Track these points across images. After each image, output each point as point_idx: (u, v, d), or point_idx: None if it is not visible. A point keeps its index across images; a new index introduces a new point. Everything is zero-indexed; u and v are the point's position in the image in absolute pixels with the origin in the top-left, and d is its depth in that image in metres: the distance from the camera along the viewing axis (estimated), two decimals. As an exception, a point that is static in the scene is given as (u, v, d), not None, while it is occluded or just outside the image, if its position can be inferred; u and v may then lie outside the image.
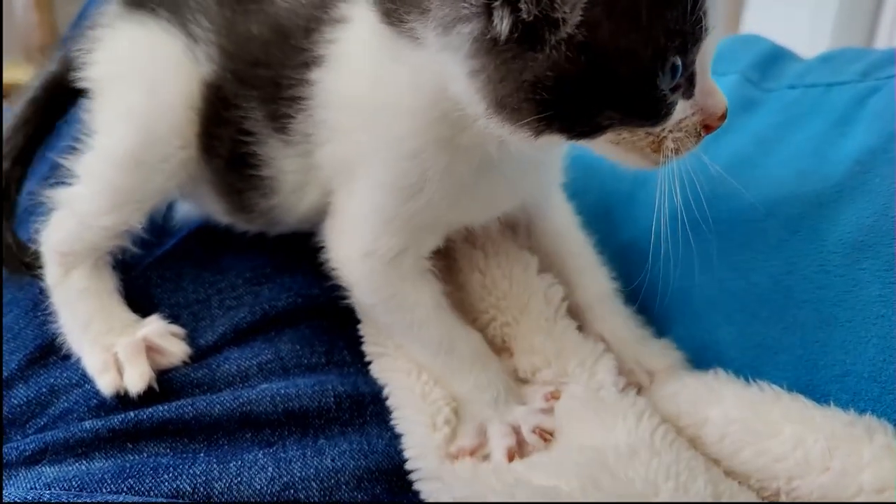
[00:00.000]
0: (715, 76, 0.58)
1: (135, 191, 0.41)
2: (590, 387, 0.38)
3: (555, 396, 0.39)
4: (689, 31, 0.30)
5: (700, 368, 0.40)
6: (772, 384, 0.36)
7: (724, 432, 0.34)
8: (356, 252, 0.40)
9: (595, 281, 0.45)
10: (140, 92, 0.41)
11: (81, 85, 0.45)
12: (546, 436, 0.37)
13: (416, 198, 0.38)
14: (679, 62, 0.31)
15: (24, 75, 2.68)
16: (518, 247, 0.45)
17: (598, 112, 0.31)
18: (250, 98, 0.40)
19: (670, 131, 0.34)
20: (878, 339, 0.35)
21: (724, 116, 0.35)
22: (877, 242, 0.36)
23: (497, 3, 0.29)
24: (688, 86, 0.33)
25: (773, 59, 0.62)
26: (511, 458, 0.37)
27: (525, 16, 0.29)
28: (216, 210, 0.46)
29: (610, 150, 0.35)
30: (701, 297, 0.42)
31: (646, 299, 0.45)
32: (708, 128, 0.35)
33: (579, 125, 0.32)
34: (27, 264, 0.44)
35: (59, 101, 0.49)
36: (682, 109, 0.33)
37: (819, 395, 0.35)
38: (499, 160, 0.37)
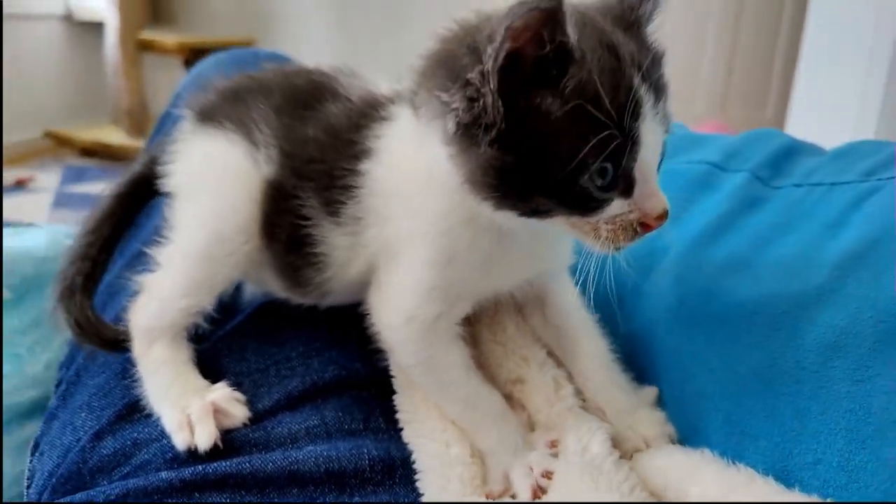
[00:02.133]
0: (725, 173, 0.63)
1: (206, 280, 0.49)
2: (584, 459, 0.43)
3: (554, 445, 0.45)
4: (620, 142, 0.36)
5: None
6: (749, 467, 0.40)
7: None
8: (399, 318, 0.46)
9: (597, 354, 0.50)
10: (209, 198, 0.50)
11: (162, 188, 0.54)
12: (550, 476, 0.44)
13: (450, 269, 0.44)
14: (608, 166, 0.36)
15: (112, 137, 2.92)
16: (532, 336, 0.52)
17: (533, 198, 0.37)
18: (307, 189, 0.47)
19: (605, 223, 0.39)
20: (847, 431, 0.39)
21: (662, 217, 0.39)
22: (847, 343, 0.41)
23: (447, 109, 0.37)
24: (625, 186, 0.38)
25: (787, 154, 0.65)
26: (535, 496, 0.43)
27: (462, 119, 0.36)
28: (275, 287, 0.53)
29: (563, 228, 0.40)
30: (693, 384, 0.46)
31: (644, 382, 0.50)
32: (645, 226, 0.39)
33: (522, 207, 0.38)
34: (108, 341, 0.52)
35: (141, 197, 0.57)
36: (618, 206, 0.38)
37: (793, 480, 0.39)
38: (512, 234, 0.44)
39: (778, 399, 0.42)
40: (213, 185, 0.50)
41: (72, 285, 0.52)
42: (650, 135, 0.37)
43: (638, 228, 0.39)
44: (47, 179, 2.95)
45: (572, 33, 0.34)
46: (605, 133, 0.35)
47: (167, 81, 3.76)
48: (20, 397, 0.63)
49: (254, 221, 0.49)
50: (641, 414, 0.47)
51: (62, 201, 2.72)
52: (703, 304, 0.48)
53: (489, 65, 0.34)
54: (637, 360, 0.51)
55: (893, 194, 0.50)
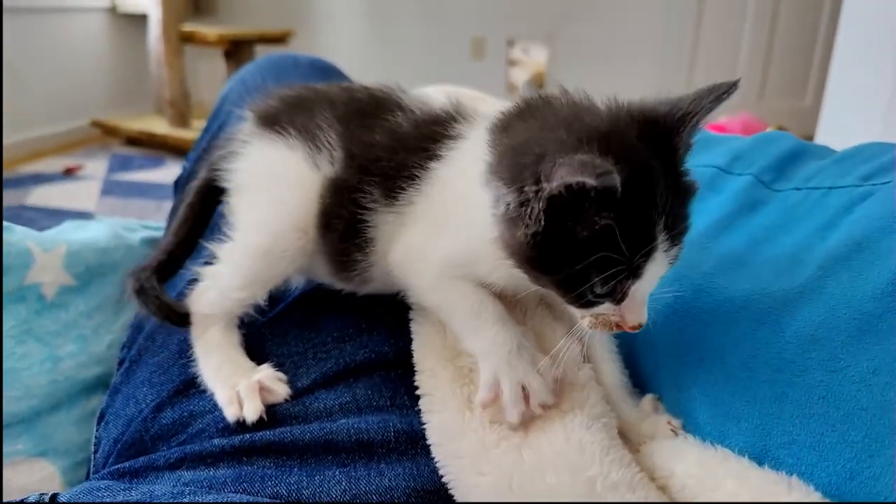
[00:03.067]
0: (730, 176, 0.66)
1: (262, 274, 0.55)
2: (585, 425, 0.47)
3: (556, 379, 0.48)
4: (626, 274, 0.42)
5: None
6: (725, 448, 0.45)
7: (684, 483, 0.43)
8: (423, 277, 0.52)
9: (611, 374, 0.54)
10: (268, 201, 0.55)
11: (225, 185, 0.60)
12: (547, 407, 0.47)
13: (472, 266, 0.50)
14: (609, 284, 0.42)
15: (156, 126, 3.02)
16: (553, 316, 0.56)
17: (542, 278, 0.44)
18: (371, 182, 0.52)
19: (591, 315, 0.45)
20: (819, 415, 0.43)
21: (636, 328, 0.45)
22: (823, 337, 0.45)
23: (503, 197, 0.43)
24: (620, 297, 0.44)
25: (793, 157, 0.67)
26: (524, 425, 0.47)
27: (510, 214, 0.42)
28: (322, 273, 0.59)
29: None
30: (685, 373, 0.51)
31: (642, 372, 0.55)
32: (619, 327, 0.45)
33: (531, 277, 0.45)
34: (181, 316, 0.58)
35: (212, 201, 0.63)
36: (606, 307, 0.44)
37: (770, 457, 0.44)
38: None
39: (760, 386, 0.46)
40: (272, 189, 0.56)
41: (145, 278, 0.58)
42: (654, 270, 0.43)
43: (614, 327, 0.45)
44: (95, 168, 3.06)
45: (615, 181, 0.38)
46: (616, 269, 0.41)
47: (208, 72, 3.87)
48: (87, 373, 0.71)
49: (310, 219, 0.55)
50: (648, 421, 0.51)
51: (110, 189, 2.82)
52: (696, 299, 0.53)
53: (543, 194, 0.40)
54: (635, 350, 0.55)
55: (883, 199, 0.54)
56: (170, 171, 3.05)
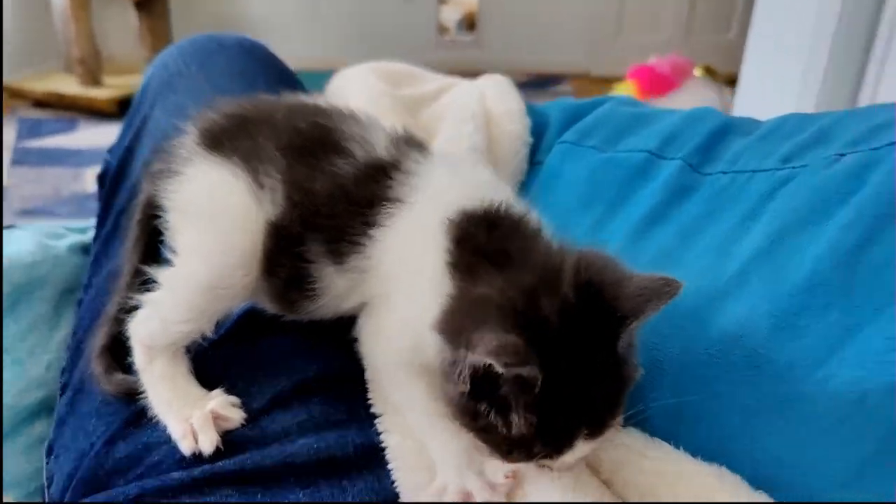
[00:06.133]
0: (661, 160, 0.68)
1: (207, 308, 0.54)
2: None
3: (514, 476, 0.48)
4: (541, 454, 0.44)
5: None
6: (651, 437, 0.50)
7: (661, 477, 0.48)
8: (388, 352, 0.52)
9: None
10: (212, 232, 0.53)
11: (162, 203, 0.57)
12: None
13: (421, 351, 0.49)
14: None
15: (65, 86, 2.84)
16: None
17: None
18: (313, 238, 0.52)
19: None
20: (746, 407, 0.47)
21: None
22: (745, 334, 0.48)
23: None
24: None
25: (719, 136, 0.68)
26: None
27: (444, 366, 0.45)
28: (266, 306, 0.58)
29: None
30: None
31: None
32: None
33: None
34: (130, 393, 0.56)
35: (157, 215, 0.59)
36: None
37: (706, 449, 0.48)
38: None
39: (690, 381, 0.50)
40: (217, 219, 0.54)
41: (110, 342, 0.58)
42: (571, 457, 0.45)
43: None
44: (3, 135, 2.87)
45: (527, 373, 0.40)
46: (535, 449, 0.44)
47: (118, 26, 3.62)
48: (28, 399, 0.69)
49: (255, 258, 0.53)
50: None
51: (21, 158, 2.66)
52: None
53: (466, 366, 0.41)
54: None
55: (801, 186, 0.56)
56: (83, 135, 2.88)
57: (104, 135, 2.88)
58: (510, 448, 0.44)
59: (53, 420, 0.65)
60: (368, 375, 0.56)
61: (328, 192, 0.52)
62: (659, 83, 2.74)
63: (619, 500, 0.48)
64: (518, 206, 0.52)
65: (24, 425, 0.68)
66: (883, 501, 0.41)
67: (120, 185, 0.78)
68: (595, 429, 0.44)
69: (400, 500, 0.50)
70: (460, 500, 0.47)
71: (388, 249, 0.51)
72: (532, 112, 0.82)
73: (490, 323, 0.41)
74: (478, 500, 0.47)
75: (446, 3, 3.88)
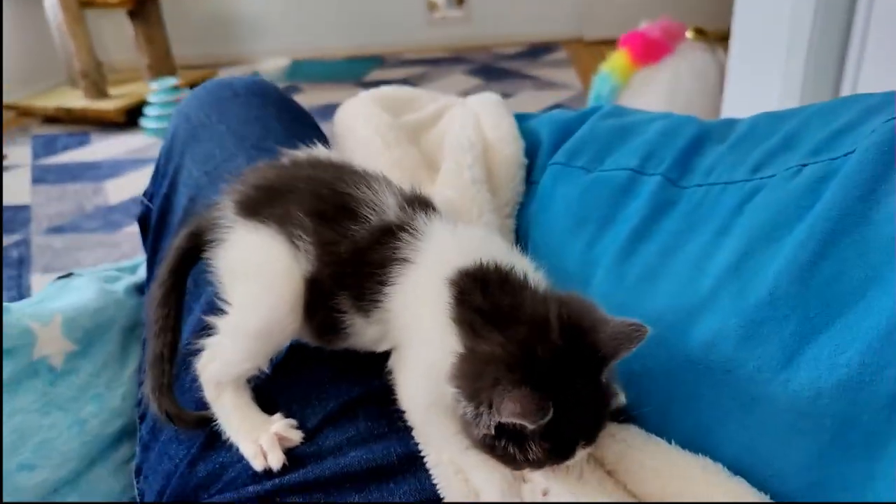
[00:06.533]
0: (643, 177, 0.75)
1: (260, 350, 0.63)
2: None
3: (546, 493, 0.55)
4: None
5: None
6: (647, 433, 0.59)
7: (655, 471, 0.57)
8: (418, 394, 0.61)
9: None
10: (261, 286, 0.62)
11: (209, 263, 0.66)
12: None
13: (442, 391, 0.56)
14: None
15: (72, 100, 2.93)
16: None
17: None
18: (342, 293, 0.60)
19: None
20: (721, 407, 0.56)
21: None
22: (718, 343, 0.56)
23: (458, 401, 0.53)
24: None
25: (695, 147, 0.71)
26: None
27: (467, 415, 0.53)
28: (310, 342, 0.68)
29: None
30: (632, 384, 0.61)
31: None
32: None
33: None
34: (192, 423, 0.66)
35: (188, 267, 0.70)
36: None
37: (690, 444, 0.57)
38: None
39: (676, 385, 0.59)
40: (263, 275, 0.62)
41: (159, 381, 0.66)
42: (571, 462, 0.54)
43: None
44: (19, 154, 2.96)
45: (546, 418, 0.48)
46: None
47: (115, 36, 3.67)
48: (110, 428, 0.80)
49: (298, 307, 0.62)
50: None
51: (41, 177, 2.75)
52: (619, 314, 0.64)
53: (493, 422, 0.50)
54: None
55: (767, 200, 0.63)
56: (97, 148, 2.97)
57: (117, 145, 2.98)
58: (525, 465, 0.53)
59: (137, 444, 0.77)
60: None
61: (350, 254, 0.60)
62: (652, 49, 2.74)
63: (621, 489, 0.58)
64: (507, 258, 0.59)
65: (110, 451, 0.79)
66: (883, 501, 0.46)
67: (164, 232, 0.87)
68: (590, 440, 0.53)
69: (444, 501, 0.60)
70: None
71: (402, 304, 0.59)
72: (524, 132, 0.90)
73: (503, 382, 0.49)
74: None
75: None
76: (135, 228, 2.26)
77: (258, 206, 0.64)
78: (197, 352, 0.66)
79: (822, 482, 0.52)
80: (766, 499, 0.53)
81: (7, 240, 2.26)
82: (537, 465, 0.53)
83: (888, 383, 0.49)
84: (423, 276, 0.58)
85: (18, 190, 2.63)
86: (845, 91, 1.73)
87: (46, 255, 2.14)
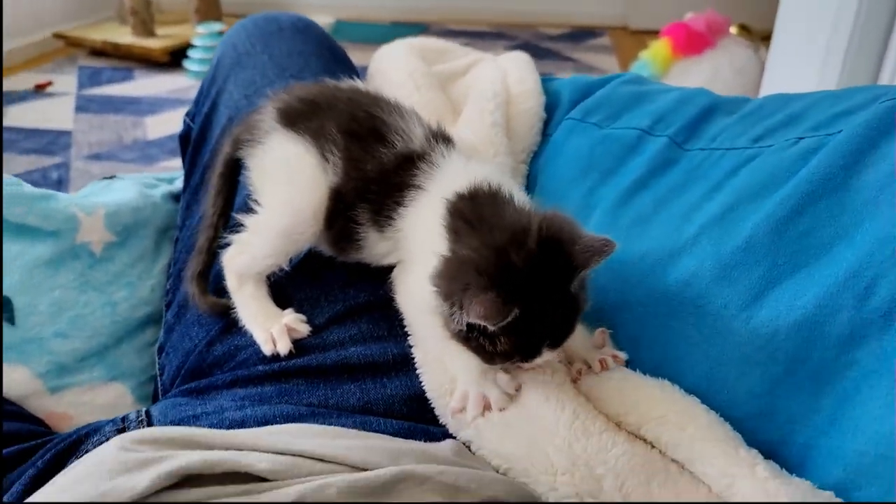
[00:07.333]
0: (651, 137, 0.80)
1: (284, 248, 0.70)
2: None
3: (517, 388, 0.60)
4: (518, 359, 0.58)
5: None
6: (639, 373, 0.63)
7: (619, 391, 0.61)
8: (413, 301, 0.66)
9: None
10: (290, 190, 0.68)
11: (245, 162, 0.73)
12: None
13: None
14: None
15: (120, 36, 3.00)
16: None
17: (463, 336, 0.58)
18: (362, 206, 0.66)
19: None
20: (689, 338, 0.62)
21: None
22: (693, 282, 0.62)
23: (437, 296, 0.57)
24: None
25: (706, 115, 0.76)
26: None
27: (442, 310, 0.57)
28: (325, 250, 0.74)
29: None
30: (605, 313, 0.67)
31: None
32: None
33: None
34: (219, 311, 0.74)
35: (236, 172, 0.77)
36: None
37: (663, 372, 0.62)
38: None
39: (651, 318, 0.64)
40: (293, 182, 0.68)
41: (198, 268, 0.74)
42: (539, 361, 0.58)
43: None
44: (65, 82, 3.05)
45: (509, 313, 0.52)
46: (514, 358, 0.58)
47: (168, -22, 3.75)
48: (139, 313, 0.87)
49: (320, 213, 0.68)
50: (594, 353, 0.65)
51: (84, 106, 2.84)
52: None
53: (462, 320, 0.55)
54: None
55: (760, 166, 0.67)
56: (139, 84, 3.06)
57: (159, 84, 3.06)
58: (494, 357, 0.58)
59: (162, 327, 0.84)
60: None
61: (375, 173, 0.66)
62: (694, 41, 2.72)
63: (583, 398, 0.63)
64: (502, 182, 0.64)
65: (136, 332, 0.87)
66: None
67: (203, 146, 0.94)
68: (555, 342, 0.58)
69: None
70: (479, 408, 0.60)
71: (411, 225, 0.65)
72: (547, 90, 0.95)
73: (472, 286, 0.53)
74: (495, 408, 0.60)
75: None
76: (170, 163, 2.36)
77: (298, 118, 0.70)
78: (221, 245, 0.74)
79: (771, 411, 0.58)
80: (716, 416, 0.58)
81: (49, 161, 2.36)
82: (505, 359, 0.58)
83: (839, 326, 0.55)
84: (433, 202, 0.64)
85: (62, 116, 2.72)
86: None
87: (84, 179, 2.23)
